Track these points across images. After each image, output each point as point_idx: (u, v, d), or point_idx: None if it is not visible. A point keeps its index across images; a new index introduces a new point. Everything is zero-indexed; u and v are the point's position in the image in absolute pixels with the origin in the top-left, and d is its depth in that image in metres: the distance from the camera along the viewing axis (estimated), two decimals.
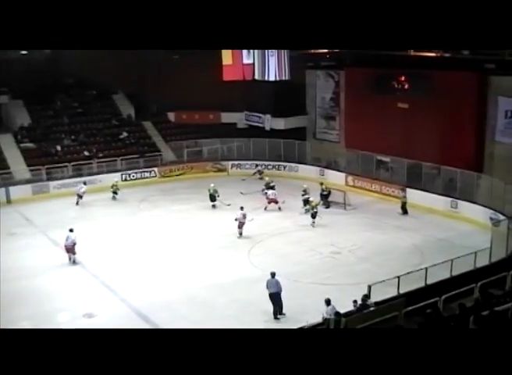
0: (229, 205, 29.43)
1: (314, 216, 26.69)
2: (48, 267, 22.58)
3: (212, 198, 29.88)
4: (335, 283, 20.10)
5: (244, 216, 25.31)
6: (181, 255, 23.64)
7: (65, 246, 22.77)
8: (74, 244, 22.65)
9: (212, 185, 29.99)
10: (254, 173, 36.06)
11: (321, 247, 24.15)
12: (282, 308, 18.04)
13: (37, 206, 30.92)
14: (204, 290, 19.97)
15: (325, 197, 30.07)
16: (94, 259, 23.19)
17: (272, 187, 31.18)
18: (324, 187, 30.48)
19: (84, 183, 31.43)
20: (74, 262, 22.73)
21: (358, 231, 26.24)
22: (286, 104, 38.05)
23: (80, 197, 30.73)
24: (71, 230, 23.11)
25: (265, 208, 29.72)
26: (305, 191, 29.79)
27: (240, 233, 25.24)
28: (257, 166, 37.06)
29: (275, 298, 17.96)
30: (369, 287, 16.31)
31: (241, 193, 31.94)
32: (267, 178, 33.27)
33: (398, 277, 16.81)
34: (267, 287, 17.95)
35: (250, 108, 40.85)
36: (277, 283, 18.01)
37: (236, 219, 25.15)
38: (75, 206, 30.22)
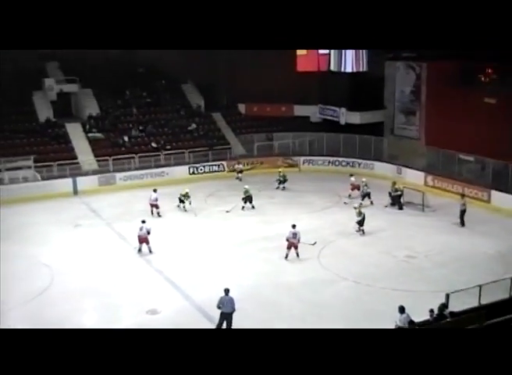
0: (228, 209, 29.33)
1: (361, 223, 25.57)
2: (112, 260, 23.16)
3: (251, 199, 29.70)
4: (409, 289, 19.72)
5: (295, 236, 22.67)
6: (248, 252, 23.75)
7: (139, 236, 23.51)
8: (149, 233, 23.43)
9: (247, 187, 29.99)
10: (238, 172, 35.78)
11: (396, 250, 23.77)
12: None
13: (104, 198, 31.73)
14: (270, 289, 20.01)
15: (395, 198, 29.51)
16: (159, 254, 23.61)
17: (284, 181, 33.20)
18: (396, 186, 29.81)
19: (154, 191, 29.08)
20: (150, 252, 23.55)
21: (436, 235, 25.67)
22: (362, 97, 37.60)
23: (156, 206, 28.57)
24: (143, 222, 23.77)
25: (349, 196, 30.77)
26: (366, 186, 30.00)
27: (286, 256, 22.78)
28: (239, 163, 36.43)
29: (228, 319, 16.52)
30: (447, 296, 15.88)
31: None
32: (280, 173, 33.50)
33: (479, 287, 16.31)
34: (219, 306, 16.61)
35: (325, 101, 40.54)
36: (231, 302, 16.60)
37: (287, 240, 22.76)
38: (148, 212, 29.01)
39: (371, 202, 29.87)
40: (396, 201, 29.49)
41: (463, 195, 28.25)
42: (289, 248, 22.73)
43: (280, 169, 34.12)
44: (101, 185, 33.64)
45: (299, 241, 22.70)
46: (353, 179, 31.37)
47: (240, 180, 35.05)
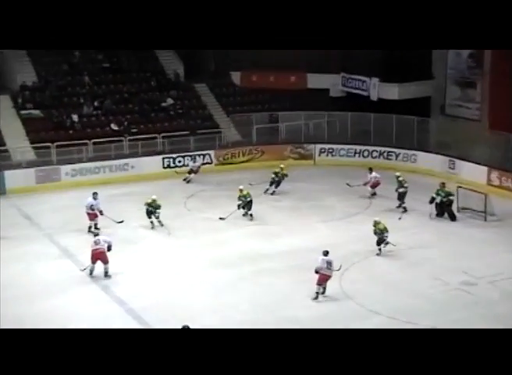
0: (221, 218, 28.92)
1: (379, 241, 25.16)
2: (54, 286, 22.82)
3: (250, 204, 29.21)
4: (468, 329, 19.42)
5: (330, 266, 21.84)
6: (242, 276, 23.62)
7: (93, 252, 23.29)
8: (109, 249, 23.34)
9: (242, 187, 29.57)
10: (190, 172, 34.99)
11: (448, 274, 23.55)
12: None
13: (43, 199, 31.48)
14: (272, 326, 19.50)
15: (443, 204, 29.05)
16: (119, 278, 23.44)
17: (278, 182, 32.30)
18: (446, 189, 29.14)
19: (94, 197, 28.02)
20: (106, 275, 23.41)
21: (505, 253, 25.46)
22: (401, 63, 37.43)
23: (91, 217, 27.82)
24: (96, 234, 24.04)
25: (373, 194, 31.72)
26: (401, 181, 30.08)
27: (317, 296, 21.85)
28: (195, 159, 35.78)
29: None
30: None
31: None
32: (281, 169, 32.70)
33: None
34: None
35: (350, 68, 40.53)
36: None
37: (316, 271, 21.80)
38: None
39: (403, 208, 29.98)
40: (447, 209, 29.02)
41: None
42: (320, 283, 21.83)
43: (282, 166, 33.17)
44: (40, 182, 33.46)
45: (329, 267, 21.93)
46: (374, 175, 31.63)
47: (188, 182, 34.56)
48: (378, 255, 25.19)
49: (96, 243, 23.34)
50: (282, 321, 20.03)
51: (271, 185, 32.59)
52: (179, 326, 18.96)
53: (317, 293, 21.82)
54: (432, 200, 29.02)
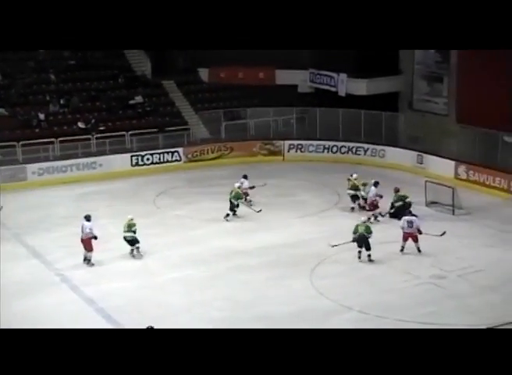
0: (259, 211, 28.57)
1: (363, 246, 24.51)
2: (27, 287, 22.60)
3: (234, 204, 28.56)
4: (440, 322, 19.43)
5: (410, 225, 24.48)
6: (217, 273, 23.62)
7: (82, 239, 23.99)
8: (91, 236, 23.83)
9: (237, 185, 29.04)
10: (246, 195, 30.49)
11: (419, 268, 23.70)
12: None
13: (10, 199, 31.02)
14: (247, 323, 19.45)
15: (398, 208, 28.44)
16: (90, 278, 23.34)
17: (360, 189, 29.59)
18: (400, 194, 28.41)
19: None
20: (89, 263, 24.14)
21: (475, 247, 25.63)
22: (369, 58, 37.42)
23: None
24: (87, 219, 24.11)
25: (353, 209, 29.69)
26: (354, 188, 29.38)
27: (402, 248, 24.82)
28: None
29: None
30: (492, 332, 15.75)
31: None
32: (355, 175, 30.37)
33: None
34: None
35: (318, 64, 40.43)
36: None
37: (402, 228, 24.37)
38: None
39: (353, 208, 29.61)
40: (401, 212, 28.58)
41: None
42: (405, 240, 24.89)
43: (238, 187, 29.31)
44: (6, 181, 32.98)
45: (419, 230, 24.73)
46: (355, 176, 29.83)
47: (248, 202, 30.10)
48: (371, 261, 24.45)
49: (82, 230, 23.90)
50: (256, 318, 20.03)
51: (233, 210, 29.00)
52: (152, 324, 18.95)
53: (402, 246, 24.95)
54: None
